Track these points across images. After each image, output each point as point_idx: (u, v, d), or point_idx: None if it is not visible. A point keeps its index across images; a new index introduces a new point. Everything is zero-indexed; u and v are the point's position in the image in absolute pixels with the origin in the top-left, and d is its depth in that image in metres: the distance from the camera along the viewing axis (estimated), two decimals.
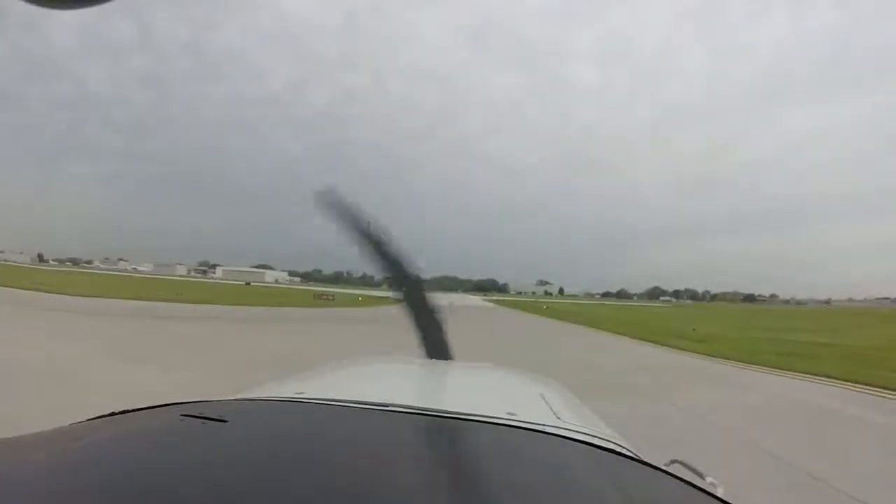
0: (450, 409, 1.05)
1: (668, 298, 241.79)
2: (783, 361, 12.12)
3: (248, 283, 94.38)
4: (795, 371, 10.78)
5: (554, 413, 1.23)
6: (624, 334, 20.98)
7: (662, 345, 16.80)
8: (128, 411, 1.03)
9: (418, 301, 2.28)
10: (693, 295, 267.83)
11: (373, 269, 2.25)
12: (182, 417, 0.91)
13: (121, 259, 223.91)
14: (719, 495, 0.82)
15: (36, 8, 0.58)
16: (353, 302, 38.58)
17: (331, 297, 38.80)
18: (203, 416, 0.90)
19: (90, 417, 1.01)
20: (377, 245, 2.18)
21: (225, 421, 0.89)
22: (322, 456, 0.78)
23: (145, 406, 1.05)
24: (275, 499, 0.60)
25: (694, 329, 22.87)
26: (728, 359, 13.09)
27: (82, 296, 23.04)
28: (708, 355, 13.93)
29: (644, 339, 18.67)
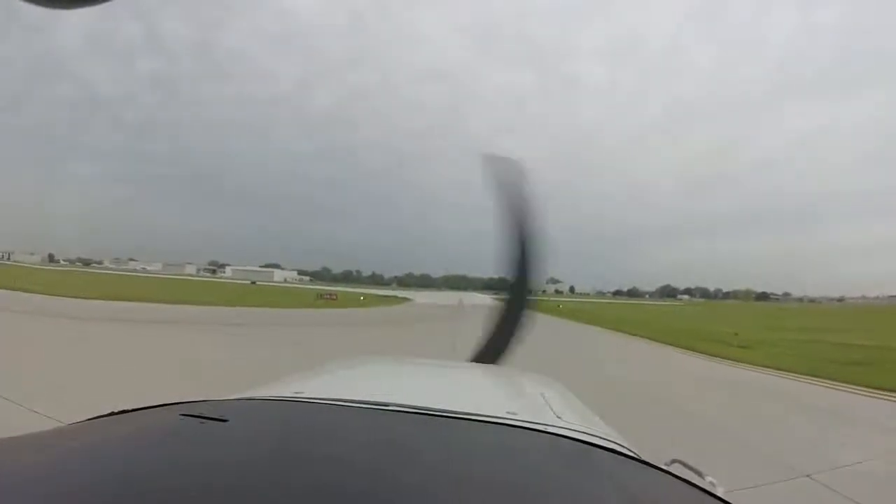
0: (450, 409, 1.05)
1: (684, 297, 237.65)
2: (856, 375, 10.00)
3: (253, 283, 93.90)
4: (881, 389, 8.74)
5: (554, 413, 1.24)
6: (659, 340, 18.53)
7: (710, 355, 14.40)
8: (128, 411, 1.02)
9: (513, 309, 2.25)
10: (704, 293, 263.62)
11: (500, 258, 2.13)
12: (182, 417, 0.91)
13: (131, 259, 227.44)
14: (719, 495, 0.82)
15: (41, 10, 0.60)
16: (355, 302, 36.64)
17: (333, 297, 36.85)
18: (203, 415, 0.90)
19: (90, 417, 1.01)
20: (522, 238, 2.07)
21: (225, 421, 0.88)
22: (322, 456, 0.77)
23: (145, 406, 1.05)
24: (275, 499, 0.60)
25: (736, 333, 20.42)
26: (791, 372, 10.88)
27: (59, 296, 21.33)
28: (765, 367, 11.74)
29: (686, 348, 16.22)
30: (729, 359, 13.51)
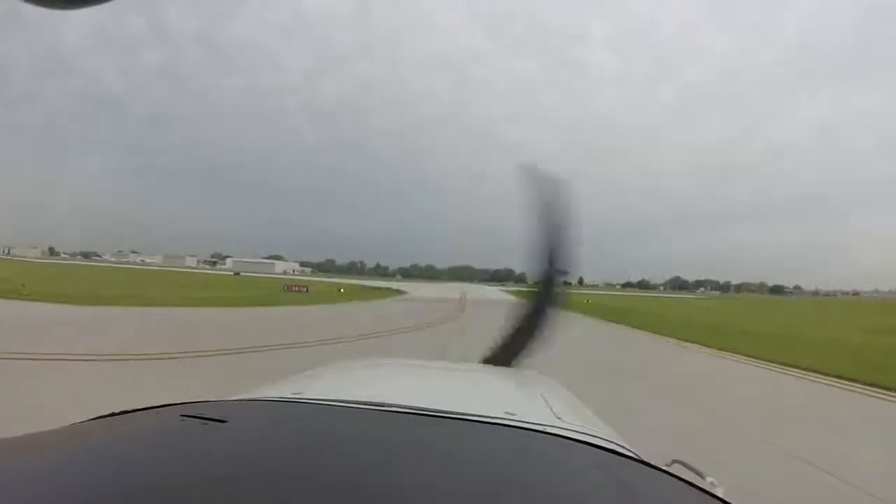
0: (450, 409, 1.05)
1: (703, 290, 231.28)
2: None
3: (236, 273, 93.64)
4: None
5: (554, 413, 1.23)
6: (730, 349, 13.12)
7: (826, 375, 9.20)
8: (128, 412, 1.02)
9: (539, 306, 2.19)
10: (715, 285, 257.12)
11: (529, 255, 2.12)
12: (182, 418, 0.91)
13: (133, 252, 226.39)
14: (719, 495, 0.82)
15: (46, 10, 0.63)
16: (331, 295, 30.40)
17: (303, 289, 31.49)
18: (203, 416, 0.90)
19: (90, 417, 1.01)
20: (554, 239, 2.05)
21: (225, 421, 0.88)
22: (322, 456, 0.77)
23: (145, 406, 1.04)
24: (275, 499, 0.60)
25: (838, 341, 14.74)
26: None
27: None
28: None
29: (781, 364, 10.69)
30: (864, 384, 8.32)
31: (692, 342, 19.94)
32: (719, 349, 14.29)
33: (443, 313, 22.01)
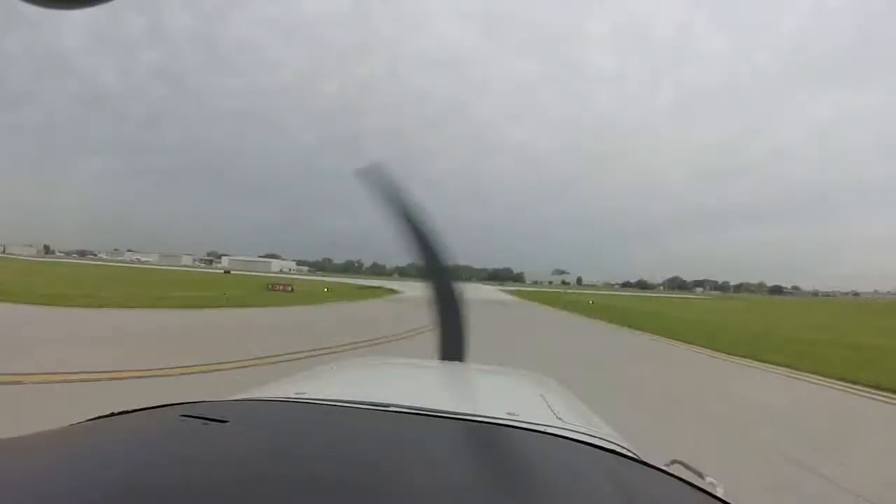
0: (450, 409, 1.04)
1: (702, 290, 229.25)
2: None
3: (227, 272, 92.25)
4: None
5: (554, 413, 1.23)
6: (770, 361, 10.91)
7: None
8: (128, 411, 1.02)
9: (445, 295, 2.20)
10: (713, 286, 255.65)
11: (407, 254, 2.13)
12: (182, 418, 0.91)
13: (129, 250, 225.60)
14: (719, 495, 0.81)
15: (44, 9, 0.64)
16: (315, 295, 27.94)
17: (287, 287, 29.08)
18: (203, 416, 0.90)
19: (90, 417, 1.00)
20: (415, 230, 2.06)
21: (225, 421, 0.88)
22: (322, 456, 0.77)
23: (145, 406, 1.04)
24: (275, 499, 0.60)
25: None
26: None
27: None
28: None
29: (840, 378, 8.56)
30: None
31: (644, 331, 17.72)
32: (664, 337, 13.31)
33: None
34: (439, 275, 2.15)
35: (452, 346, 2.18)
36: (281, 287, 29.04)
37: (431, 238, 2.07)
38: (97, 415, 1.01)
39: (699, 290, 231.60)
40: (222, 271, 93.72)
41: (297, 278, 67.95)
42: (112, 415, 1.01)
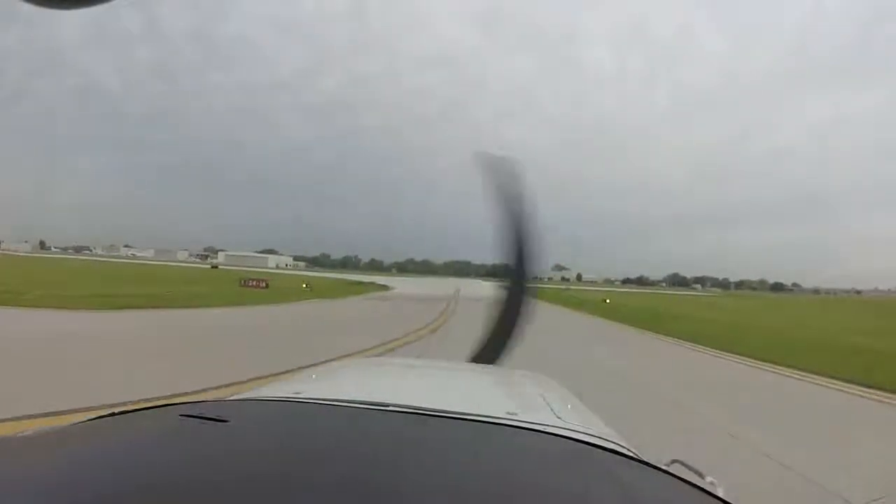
0: (450, 410, 1.05)
1: (701, 287, 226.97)
2: None
3: (214, 266, 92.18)
4: None
5: (554, 413, 1.23)
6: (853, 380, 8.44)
7: None
8: (128, 411, 1.02)
9: (514, 302, 2.18)
10: (714, 283, 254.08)
11: (498, 250, 2.11)
12: (182, 417, 0.91)
13: (125, 246, 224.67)
14: (719, 495, 0.82)
15: (41, 7, 0.63)
16: (291, 292, 25.29)
17: (262, 284, 26.63)
18: (203, 416, 0.90)
19: (90, 417, 1.00)
20: (517, 229, 2.03)
21: (225, 421, 0.88)
22: (322, 456, 0.78)
23: (145, 406, 1.05)
24: (275, 499, 0.60)
25: None
26: None
27: None
28: None
29: None
30: None
31: (678, 338, 14.42)
32: (707, 347, 10.27)
33: (421, 320, 15.32)
34: (518, 280, 2.16)
35: (490, 351, 2.15)
36: (254, 283, 26.73)
37: (528, 242, 2.06)
38: (97, 415, 1.01)
39: (697, 286, 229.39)
40: (209, 266, 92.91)
41: (291, 273, 65.91)
42: (112, 415, 1.01)
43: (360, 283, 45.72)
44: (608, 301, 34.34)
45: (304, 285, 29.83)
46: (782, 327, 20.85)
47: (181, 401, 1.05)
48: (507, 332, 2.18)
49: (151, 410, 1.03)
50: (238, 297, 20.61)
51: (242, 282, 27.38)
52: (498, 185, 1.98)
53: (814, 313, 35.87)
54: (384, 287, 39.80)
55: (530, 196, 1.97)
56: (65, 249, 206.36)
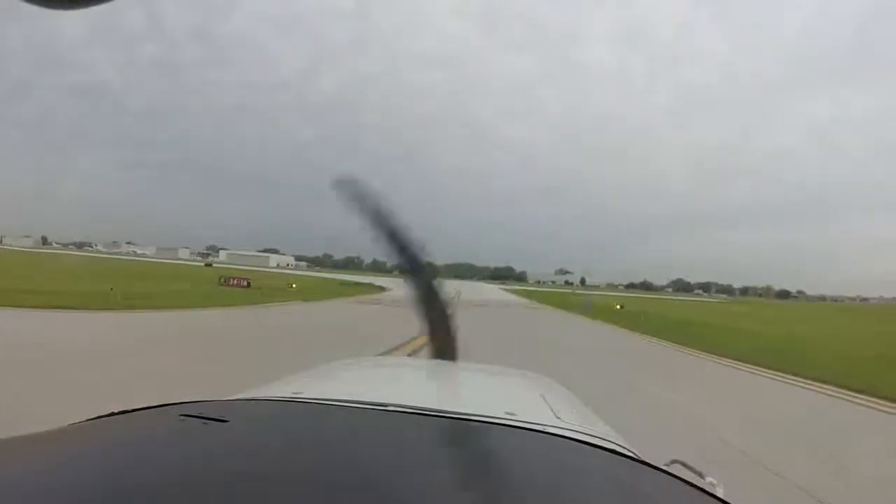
0: (450, 409, 1.05)
1: (705, 293, 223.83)
2: None
3: (208, 265, 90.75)
4: None
5: (554, 413, 1.23)
6: None
7: None
8: (128, 411, 1.02)
9: (428, 294, 2.17)
10: (719, 289, 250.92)
11: (385, 256, 2.17)
12: (182, 417, 0.91)
13: (127, 242, 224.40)
14: (719, 495, 0.82)
15: (42, 7, 0.62)
16: (276, 292, 23.41)
17: (243, 282, 24.78)
18: (203, 416, 0.90)
19: (90, 417, 1.00)
20: (391, 232, 2.06)
21: (225, 421, 0.88)
22: (322, 456, 0.78)
23: (145, 406, 1.04)
24: (275, 499, 0.60)
25: None
26: None
27: None
28: None
29: None
30: None
31: (714, 354, 12.12)
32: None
33: (405, 332, 11.67)
34: (419, 275, 2.15)
35: (443, 346, 2.16)
36: (235, 281, 24.96)
37: (407, 240, 2.06)
38: (97, 414, 1.01)
39: (697, 292, 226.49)
40: (203, 265, 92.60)
41: (289, 273, 64.22)
42: (112, 414, 1.00)
43: (357, 284, 44.30)
44: (620, 307, 32.03)
45: (292, 285, 28.04)
46: (821, 339, 18.63)
47: (183, 400, 1.04)
48: (443, 325, 2.13)
49: (151, 410, 1.01)
50: (205, 298, 18.54)
51: (222, 280, 25.49)
52: (356, 202, 1.96)
53: (841, 324, 33.26)
54: (381, 288, 38.18)
55: (385, 200, 1.96)
56: (66, 245, 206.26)
